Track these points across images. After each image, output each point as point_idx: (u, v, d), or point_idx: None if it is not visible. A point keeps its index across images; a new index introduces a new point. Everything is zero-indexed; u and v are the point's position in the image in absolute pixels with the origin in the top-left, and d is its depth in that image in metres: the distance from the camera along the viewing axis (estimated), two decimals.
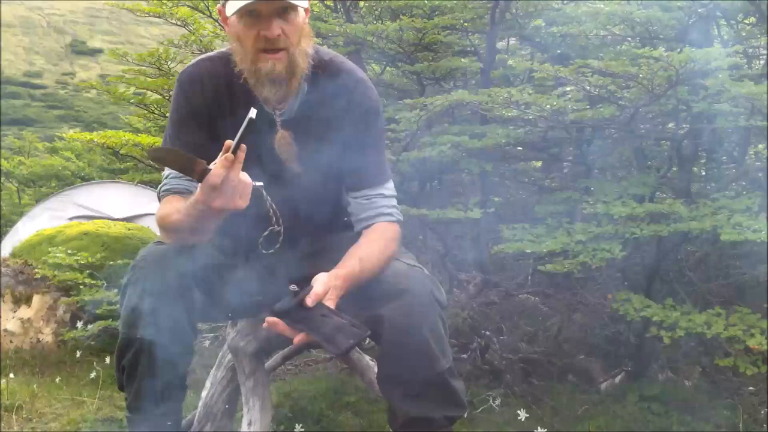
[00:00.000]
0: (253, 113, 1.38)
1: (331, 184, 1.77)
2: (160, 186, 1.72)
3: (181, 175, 1.64)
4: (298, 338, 1.44)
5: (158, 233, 1.71)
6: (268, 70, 1.56)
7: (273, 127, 1.68)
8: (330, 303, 1.48)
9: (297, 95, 1.68)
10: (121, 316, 1.62)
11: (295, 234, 1.81)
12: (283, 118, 1.68)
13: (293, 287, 1.49)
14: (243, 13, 1.53)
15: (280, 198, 1.75)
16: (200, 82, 1.69)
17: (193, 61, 1.76)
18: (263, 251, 1.61)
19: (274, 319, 1.45)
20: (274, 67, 1.55)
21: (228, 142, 1.39)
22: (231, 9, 1.53)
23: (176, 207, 1.57)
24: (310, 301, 1.45)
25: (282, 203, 1.76)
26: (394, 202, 1.76)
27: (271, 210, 1.55)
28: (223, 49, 1.75)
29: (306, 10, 1.63)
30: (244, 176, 1.43)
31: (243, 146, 1.39)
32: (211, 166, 1.40)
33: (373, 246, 1.66)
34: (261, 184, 1.50)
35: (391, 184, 1.77)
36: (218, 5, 1.66)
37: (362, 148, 1.72)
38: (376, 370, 2.08)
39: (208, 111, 1.68)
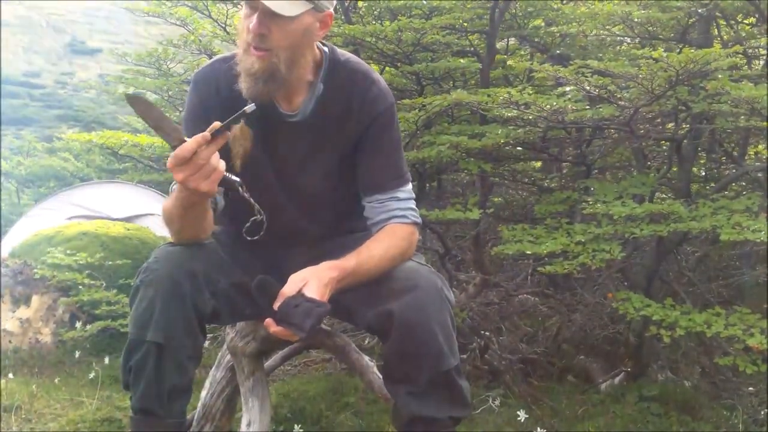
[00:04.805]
0: (250, 108, 1.41)
1: (342, 186, 1.77)
2: (171, 185, 1.72)
3: None
4: (273, 329, 1.51)
5: (158, 233, 1.72)
6: (248, 64, 1.56)
7: (283, 126, 1.67)
8: (312, 292, 1.50)
9: (311, 96, 1.68)
10: (131, 317, 1.61)
11: (304, 236, 1.81)
12: (296, 119, 1.68)
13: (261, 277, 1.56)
14: (247, 3, 1.55)
15: (286, 196, 1.76)
16: (215, 82, 1.69)
17: (208, 61, 1.77)
18: (248, 238, 1.61)
19: (269, 321, 1.52)
20: (253, 63, 1.55)
21: (216, 123, 1.42)
22: None
23: (172, 195, 1.60)
24: (279, 298, 1.51)
25: (288, 202, 1.77)
26: (411, 204, 1.74)
27: (250, 201, 1.54)
28: (237, 50, 1.75)
29: (324, 23, 1.61)
30: (217, 162, 1.43)
31: (226, 133, 1.42)
32: (188, 139, 1.40)
33: (376, 244, 1.66)
34: (238, 180, 1.51)
35: (408, 187, 1.75)
36: None
37: (375, 151, 1.71)
38: (375, 370, 2.08)
39: (221, 111, 1.67)
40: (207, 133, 1.39)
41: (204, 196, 1.48)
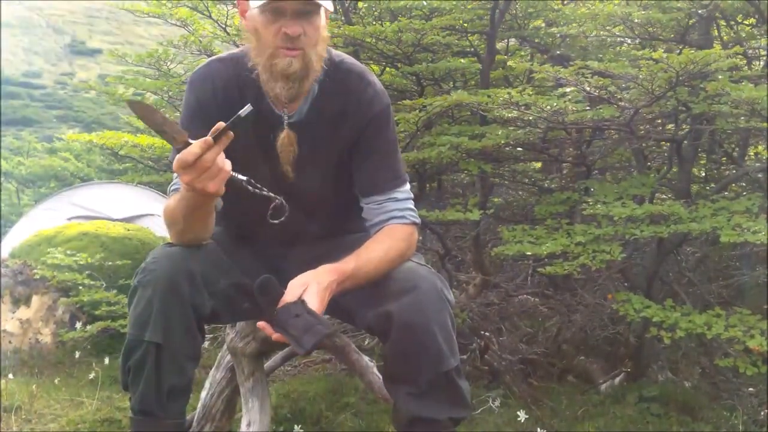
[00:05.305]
0: (247, 109, 1.40)
1: (340, 187, 1.77)
2: (169, 185, 1.72)
3: None
4: (275, 336, 1.49)
5: (158, 233, 1.71)
6: (283, 66, 1.56)
7: (281, 127, 1.67)
8: (313, 296, 1.49)
9: (307, 97, 1.68)
10: (129, 318, 1.61)
11: (303, 236, 1.81)
12: (292, 120, 1.68)
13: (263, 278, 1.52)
14: (268, 7, 1.54)
15: (287, 199, 1.76)
16: (211, 83, 1.69)
17: (205, 62, 1.77)
18: (271, 221, 1.58)
19: (264, 324, 1.50)
20: (290, 64, 1.55)
21: (220, 123, 1.40)
22: (256, 3, 1.54)
23: (176, 197, 1.59)
24: (281, 302, 1.49)
25: (289, 204, 1.77)
26: (409, 204, 1.74)
27: (264, 192, 1.53)
28: (233, 51, 1.75)
29: (327, 12, 1.64)
30: (223, 162, 1.43)
31: (230, 134, 1.40)
32: (193, 141, 1.40)
33: (376, 245, 1.65)
34: (245, 178, 1.50)
35: (406, 187, 1.75)
36: None
37: (372, 152, 1.71)
38: (375, 370, 2.09)
39: (218, 112, 1.67)
40: (209, 138, 1.39)
41: (211, 196, 1.47)
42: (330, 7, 1.59)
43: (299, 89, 1.60)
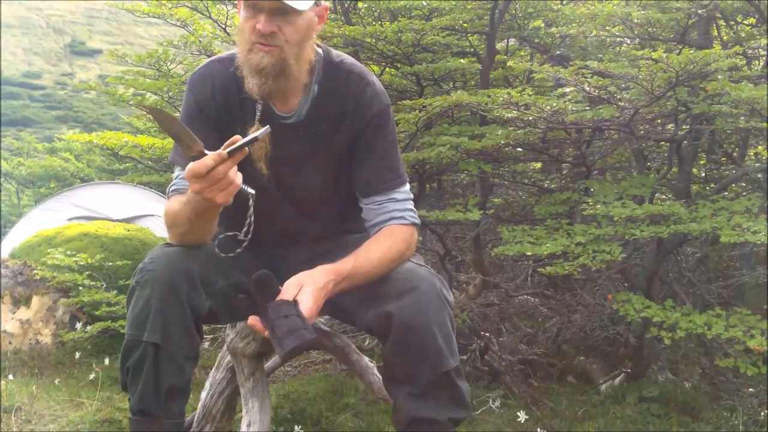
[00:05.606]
0: (264, 131, 1.42)
1: (340, 187, 1.77)
2: (169, 186, 1.72)
3: None
4: (267, 334, 1.49)
5: (158, 234, 1.71)
6: (256, 61, 1.56)
7: (278, 126, 1.68)
8: (308, 296, 1.49)
9: (307, 97, 1.68)
10: (127, 318, 1.61)
11: (302, 236, 1.81)
12: (291, 121, 1.69)
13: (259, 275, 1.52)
14: (247, 4, 1.55)
15: (283, 197, 1.76)
16: (210, 83, 1.69)
17: (204, 62, 1.77)
18: (219, 253, 1.62)
19: (254, 320, 1.50)
20: (261, 59, 1.56)
21: (236, 137, 1.42)
22: None
23: (179, 199, 1.59)
24: (273, 301, 1.49)
25: (286, 203, 1.78)
26: (409, 204, 1.74)
27: (248, 220, 1.55)
28: (232, 51, 1.75)
29: (321, 16, 1.64)
30: (234, 175, 1.44)
31: (245, 150, 1.41)
32: (208, 152, 1.41)
33: (375, 245, 1.65)
34: (252, 192, 1.51)
35: (405, 187, 1.75)
36: None
37: (371, 153, 1.71)
38: (375, 371, 2.08)
39: (217, 112, 1.68)
40: (224, 152, 1.40)
41: (219, 207, 1.48)
42: (304, 6, 1.55)
43: (273, 86, 1.59)
